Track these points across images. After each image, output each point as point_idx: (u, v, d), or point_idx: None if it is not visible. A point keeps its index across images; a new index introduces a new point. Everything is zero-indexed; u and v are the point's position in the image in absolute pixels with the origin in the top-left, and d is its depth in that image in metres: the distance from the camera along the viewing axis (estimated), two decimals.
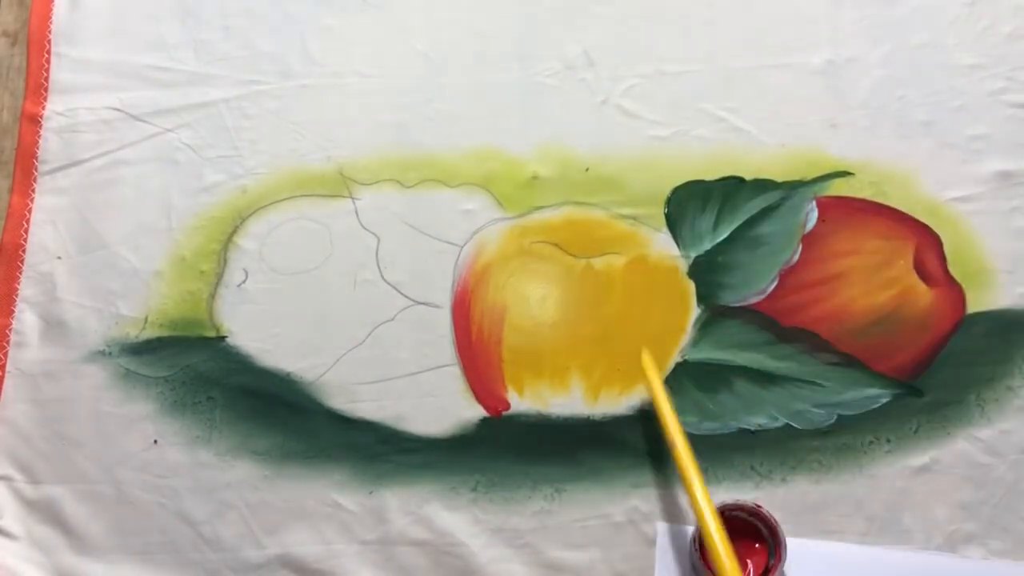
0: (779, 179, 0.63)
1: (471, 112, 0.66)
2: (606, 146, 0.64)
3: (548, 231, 0.63)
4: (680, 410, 0.59)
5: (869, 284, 0.61)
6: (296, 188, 0.64)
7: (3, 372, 0.62)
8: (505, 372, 0.61)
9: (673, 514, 0.58)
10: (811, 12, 0.66)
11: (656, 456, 0.58)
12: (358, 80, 0.66)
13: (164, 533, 0.59)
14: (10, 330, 0.63)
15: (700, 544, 0.55)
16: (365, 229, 0.64)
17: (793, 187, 0.63)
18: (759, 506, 0.56)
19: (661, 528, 0.58)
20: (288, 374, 0.61)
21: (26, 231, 0.65)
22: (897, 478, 0.58)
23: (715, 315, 0.61)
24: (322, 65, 0.67)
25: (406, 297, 0.62)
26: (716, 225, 0.63)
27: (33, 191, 0.65)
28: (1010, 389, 0.59)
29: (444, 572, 0.58)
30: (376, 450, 0.60)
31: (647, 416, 0.59)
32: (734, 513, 0.57)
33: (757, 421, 0.59)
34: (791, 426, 0.59)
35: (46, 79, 0.67)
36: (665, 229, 0.63)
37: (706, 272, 0.62)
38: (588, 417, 0.60)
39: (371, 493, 0.59)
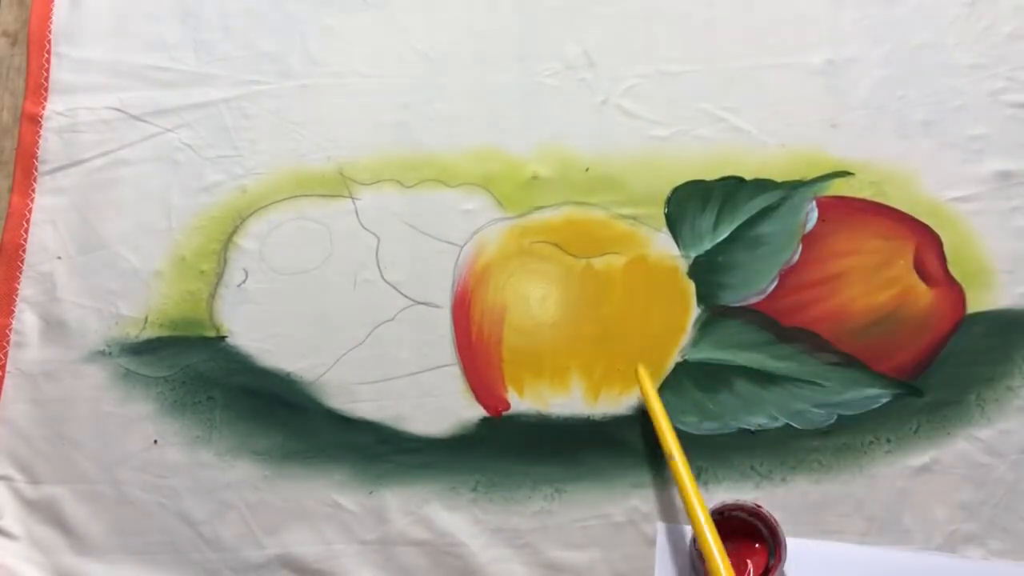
0: (779, 179, 0.63)
1: (471, 112, 0.66)
2: (606, 146, 0.64)
3: (548, 231, 0.63)
4: (680, 410, 0.59)
5: (869, 284, 0.61)
6: (296, 188, 0.64)
7: (3, 372, 0.62)
8: (505, 372, 0.61)
9: (673, 514, 0.58)
10: (811, 12, 0.66)
11: (656, 456, 0.58)
12: (358, 80, 0.67)
13: (164, 533, 0.59)
14: (10, 330, 0.63)
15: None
16: (365, 229, 0.64)
17: (793, 187, 0.63)
18: (759, 506, 0.56)
19: (661, 528, 0.58)
20: (288, 374, 0.61)
21: (26, 231, 0.65)
22: (897, 478, 0.58)
23: (715, 315, 0.61)
24: (322, 65, 0.67)
25: (406, 297, 0.62)
26: (716, 225, 0.63)
27: (33, 191, 0.65)
28: (1010, 389, 0.59)
29: (444, 572, 0.58)
30: (376, 450, 0.60)
31: (647, 416, 0.59)
32: (734, 513, 0.57)
33: (757, 421, 0.59)
34: (791, 426, 0.59)
35: (46, 79, 0.67)
36: (665, 229, 0.63)
37: (706, 272, 0.62)
38: (588, 417, 0.60)
39: (371, 493, 0.59)
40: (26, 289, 0.64)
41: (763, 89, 0.65)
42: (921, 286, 0.61)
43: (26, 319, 0.63)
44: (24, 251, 0.64)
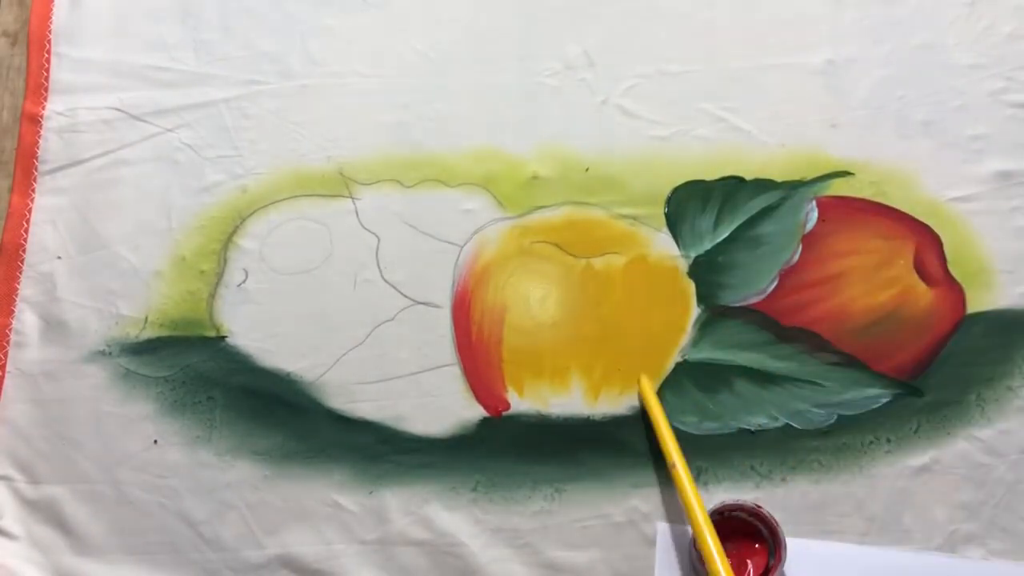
0: (779, 179, 0.63)
1: (471, 112, 0.66)
2: (606, 146, 0.64)
3: (548, 231, 0.63)
4: (680, 410, 0.59)
5: (869, 284, 0.61)
6: (296, 188, 0.64)
7: (3, 372, 0.62)
8: (505, 372, 0.61)
9: (673, 514, 0.58)
10: (811, 12, 0.66)
11: (656, 456, 0.58)
12: (358, 80, 0.67)
13: (164, 533, 0.59)
14: (10, 330, 0.63)
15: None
16: (365, 229, 0.64)
17: (793, 187, 0.63)
18: (759, 506, 0.56)
19: (661, 528, 0.58)
20: (288, 374, 0.61)
21: (26, 231, 0.65)
22: (897, 478, 0.58)
23: (715, 315, 0.61)
24: (322, 65, 0.67)
25: (406, 297, 0.62)
26: (716, 225, 0.63)
27: (33, 191, 0.65)
28: (1010, 389, 0.59)
29: (444, 572, 0.58)
30: (376, 450, 0.60)
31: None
32: (734, 513, 0.57)
33: (757, 421, 0.59)
34: (791, 426, 0.59)
35: (46, 79, 0.67)
36: (665, 229, 0.63)
37: (706, 272, 0.62)
38: (588, 417, 0.60)
39: (371, 493, 0.59)
40: (26, 289, 0.64)
41: (763, 89, 0.65)
42: (921, 286, 0.61)
43: (26, 319, 0.63)
44: (24, 251, 0.64)
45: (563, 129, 0.65)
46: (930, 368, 0.60)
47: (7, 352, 0.63)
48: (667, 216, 0.63)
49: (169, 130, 0.66)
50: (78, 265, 0.64)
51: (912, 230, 0.62)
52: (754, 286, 0.61)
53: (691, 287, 0.62)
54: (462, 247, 0.63)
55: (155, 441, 0.61)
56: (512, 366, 0.61)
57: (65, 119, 0.66)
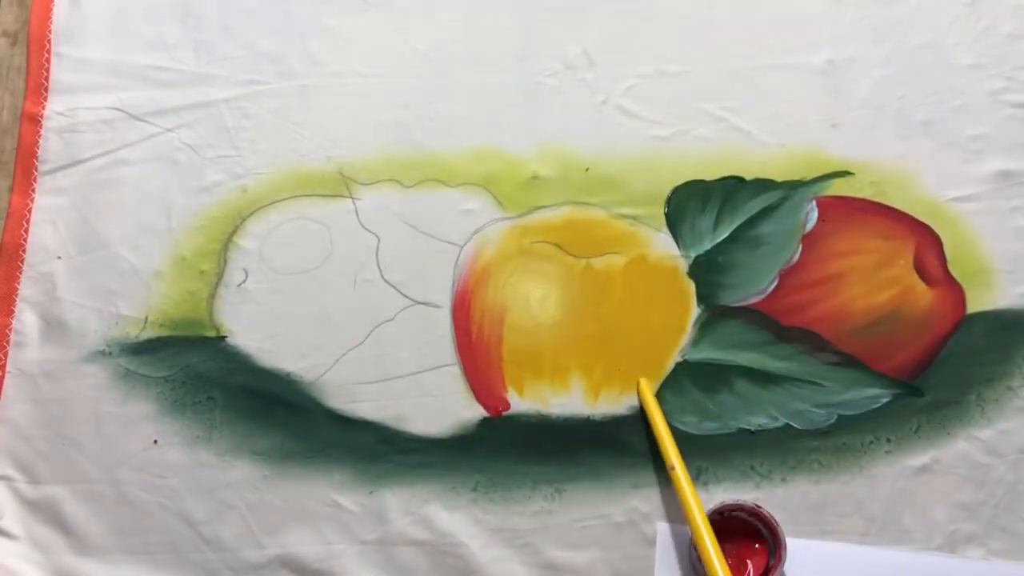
0: (779, 179, 0.63)
1: (471, 112, 0.66)
2: (606, 146, 0.64)
3: (548, 231, 0.63)
4: (680, 410, 0.59)
5: (869, 284, 0.61)
6: (296, 188, 0.64)
7: (3, 372, 0.62)
8: (505, 372, 0.61)
9: (673, 514, 0.58)
10: (811, 12, 0.66)
11: (656, 456, 0.58)
12: (358, 80, 0.67)
13: (164, 533, 0.59)
14: (10, 330, 0.63)
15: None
16: (365, 229, 0.64)
17: (793, 187, 0.63)
18: (759, 506, 0.56)
19: (661, 528, 0.58)
20: (288, 374, 0.61)
21: (26, 231, 0.65)
22: (897, 478, 0.58)
23: (715, 315, 0.61)
24: (322, 65, 0.67)
25: (406, 297, 0.62)
26: (716, 225, 0.63)
27: (33, 191, 0.65)
28: (1010, 389, 0.59)
29: (444, 572, 0.58)
30: (376, 450, 0.60)
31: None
32: (734, 513, 0.57)
33: (757, 421, 0.59)
34: (791, 426, 0.59)
35: (46, 79, 0.67)
36: (665, 229, 0.63)
37: (706, 272, 0.62)
38: (588, 417, 0.60)
39: (371, 493, 0.59)
40: (26, 289, 0.64)
41: (763, 89, 0.65)
42: (921, 286, 0.61)
43: (26, 319, 0.63)
44: (24, 251, 0.64)
45: (563, 129, 0.65)
46: (930, 368, 0.60)
47: (7, 352, 0.63)
48: (667, 216, 0.63)
49: (169, 130, 0.66)
50: (78, 265, 0.64)
51: (912, 230, 0.62)
52: (754, 286, 0.61)
53: (691, 287, 0.62)
54: (462, 247, 0.63)
55: (155, 441, 0.61)
56: (512, 366, 0.61)
57: (65, 119, 0.66)
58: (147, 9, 0.68)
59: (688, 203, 0.63)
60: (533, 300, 0.62)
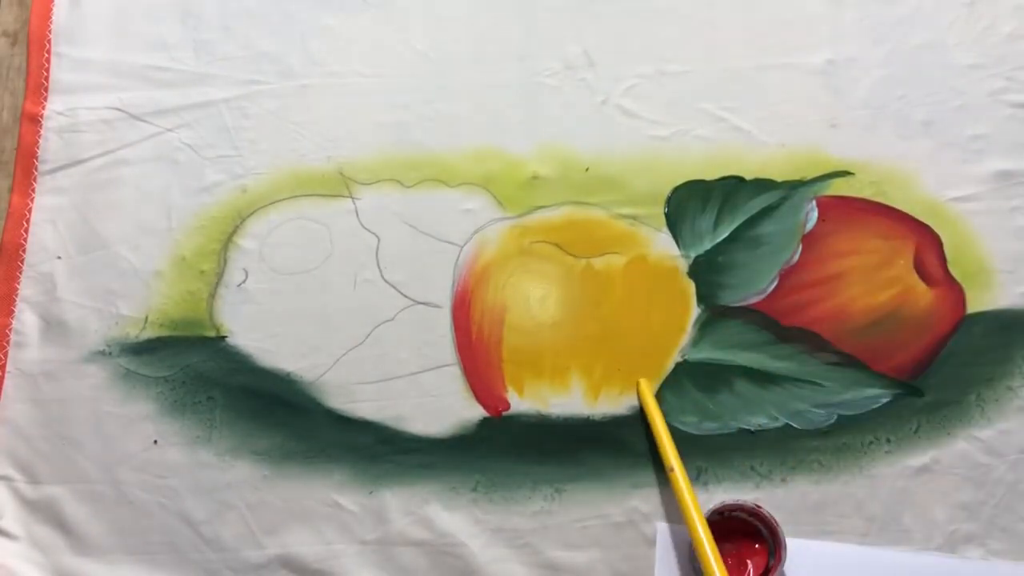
0: (779, 179, 0.63)
1: (471, 112, 0.66)
2: (606, 146, 0.64)
3: (548, 231, 0.63)
4: (680, 410, 0.59)
5: (869, 284, 0.61)
6: (296, 188, 0.64)
7: (3, 372, 0.62)
8: (505, 372, 0.61)
9: (673, 514, 0.58)
10: (811, 12, 0.66)
11: (656, 456, 0.58)
12: (358, 80, 0.67)
13: (164, 533, 0.59)
14: (10, 330, 0.63)
15: None
16: (365, 229, 0.64)
17: (793, 187, 0.63)
18: (759, 506, 0.56)
19: (661, 528, 0.58)
20: (288, 374, 0.61)
21: (26, 231, 0.65)
22: (897, 478, 0.58)
23: (715, 315, 0.61)
24: (322, 65, 0.67)
25: (406, 297, 0.62)
26: (716, 225, 0.63)
27: (33, 191, 0.65)
28: (1010, 389, 0.59)
29: (444, 572, 0.58)
30: (376, 450, 0.60)
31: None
32: (734, 513, 0.57)
33: (757, 421, 0.59)
34: (791, 426, 0.59)
35: (46, 79, 0.67)
36: (665, 229, 0.63)
37: (706, 272, 0.62)
38: (588, 417, 0.60)
39: (371, 493, 0.59)
40: (26, 289, 0.64)
41: (763, 89, 0.65)
42: (921, 286, 0.61)
43: (26, 319, 0.63)
44: (24, 251, 0.64)
45: (563, 129, 0.65)
46: (930, 368, 0.60)
47: (7, 352, 0.63)
48: (667, 216, 0.63)
49: (169, 130, 0.66)
50: (78, 265, 0.64)
51: (912, 230, 0.62)
52: (754, 286, 0.61)
53: (691, 287, 0.62)
54: (462, 247, 0.63)
55: (155, 441, 0.61)
56: (512, 366, 0.61)
57: (65, 119, 0.66)
58: (147, 9, 0.68)
59: (688, 203, 0.63)
60: (533, 300, 0.62)
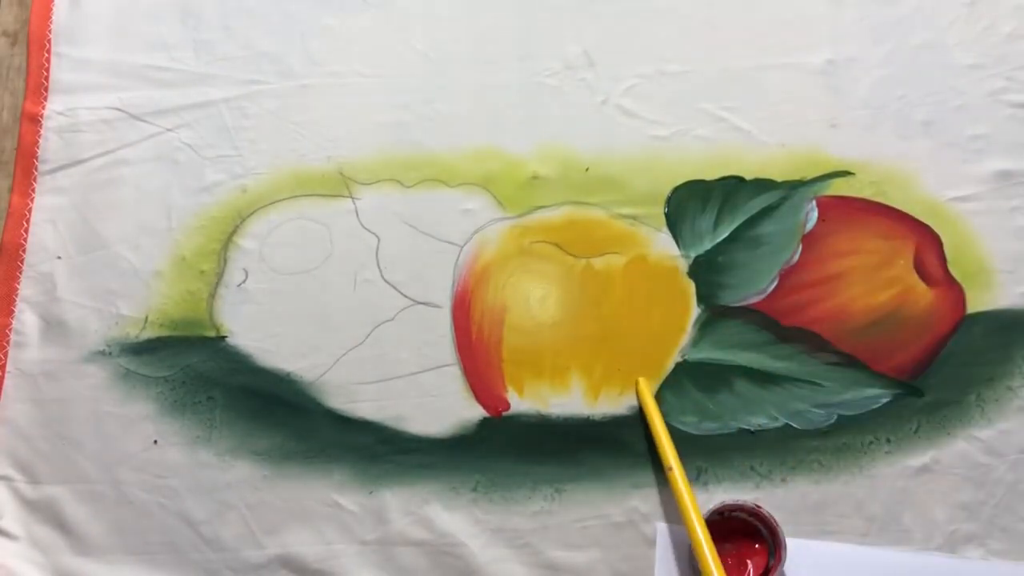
0: (779, 179, 0.63)
1: (471, 112, 0.66)
2: (606, 146, 0.64)
3: (548, 231, 0.63)
4: (680, 410, 0.59)
5: (869, 284, 0.61)
6: (296, 188, 0.64)
7: (3, 372, 0.62)
8: (505, 372, 0.61)
9: (673, 514, 0.58)
10: (811, 12, 0.66)
11: (656, 456, 0.58)
12: (358, 80, 0.67)
13: (164, 533, 0.59)
14: (10, 330, 0.63)
15: None
16: (365, 229, 0.64)
17: (793, 187, 0.63)
18: (759, 506, 0.56)
19: (661, 528, 0.58)
20: (288, 374, 0.61)
21: (26, 231, 0.65)
22: (897, 478, 0.58)
23: (715, 315, 0.61)
24: (322, 65, 0.67)
25: (406, 297, 0.62)
26: (716, 225, 0.63)
27: (33, 191, 0.65)
28: (1010, 389, 0.59)
29: (444, 572, 0.58)
30: (376, 450, 0.60)
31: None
32: (734, 513, 0.57)
33: (757, 421, 0.59)
34: (791, 426, 0.59)
35: (46, 79, 0.67)
36: (665, 229, 0.63)
37: (706, 272, 0.62)
38: (588, 417, 0.60)
39: (371, 493, 0.59)
40: (26, 289, 0.64)
41: (763, 89, 0.65)
42: (921, 286, 0.61)
43: (26, 319, 0.63)
44: (24, 251, 0.64)
45: (563, 129, 0.65)
46: (930, 368, 0.60)
47: (7, 352, 0.63)
48: (667, 216, 0.63)
49: (169, 130, 0.66)
50: (78, 265, 0.64)
51: (912, 230, 0.62)
52: (754, 286, 0.61)
53: (691, 287, 0.62)
54: (462, 247, 0.63)
55: (155, 441, 0.61)
56: (512, 366, 0.61)
57: (65, 119, 0.66)
58: (147, 9, 0.68)
59: (688, 203, 0.63)
60: (533, 300, 0.62)
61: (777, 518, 0.55)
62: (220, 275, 0.63)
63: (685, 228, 0.63)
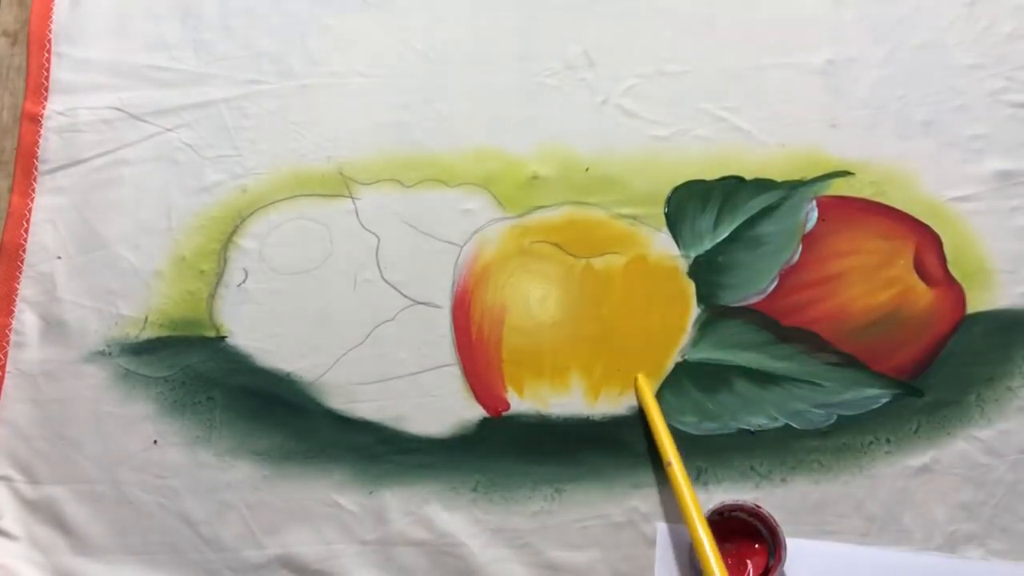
0: (779, 179, 0.63)
1: (471, 112, 0.66)
2: (606, 146, 0.64)
3: (548, 231, 0.63)
4: (680, 410, 0.59)
5: (869, 284, 0.61)
6: (296, 188, 0.64)
7: (3, 372, 0.62)
8: (505, 372, 0.61)
9: (673, 514, 0.58)
10: (811, 12, 0.66)
11: (656, 456, 0.58)
12: (358, 80, 0.67)
13: (164, 533, 0.59)
14: (10, 330, 0.63)
15: None
16: (365, 229, 0.64)
17: (793, 187, 0.63)
18: (759, 506, 0.56)
19: (661, 528, 0.58)
20: (288, 374, 0.61)
21: (26, 231, 0.65)
22: (897, 478, 0.58)
23: (715, 315, 0.61)
24: (322, 65, 0.67)
25: (406, 297, 0.62)
26: (716, 225, 0.63)
27: (33, 191, 0.65)
28: (1010, 389, 0.59)
29: (444, 572, 0.58)
30: (376, 450, 0.60)
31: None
32: (734, 513, 0.57)
33: (757, 421, 0.59)
34: (791, 426, 0.59)
35: (46, 79, 0.67)
36: (665, 229, 0.63)
37: (706, 272, 0.62)
38: (588, 417, 0.60)
39: (371, 493, 0.59)
40: (26, 289, 0.64)
41: (763, 89, 0.65)
42: (921, 286, 0.61)
43: (26, 319, 0.63)
44: (24, 251, 0.64)
45: (563, 129, 0.65)
46: (930, 368, 0.60)
47: (7, 352, 0.63)
48: (667, 216, 0.63)
49: (169, 130, 0.66)
50: (78, 265, 0.64)
51: (912, 230, 0.62)
52: (754, 286, 0.61)
53: (691, 287, 0.62)
54: (462, 247, 0.63)
55: (155, 441, 0.61)
56: (512, 366, 0.61)
57: (65, 119, 0.66)
58: (147, 9, 0.68)
59: (688, 203, 0.63)
60: (533, 300, 0.62)
61: (777, 518, 0.55)
62: (220, 275, 0.63)
63: (685, 228, 0.63)
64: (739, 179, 0.63)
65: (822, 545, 0.57)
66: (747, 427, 0.59)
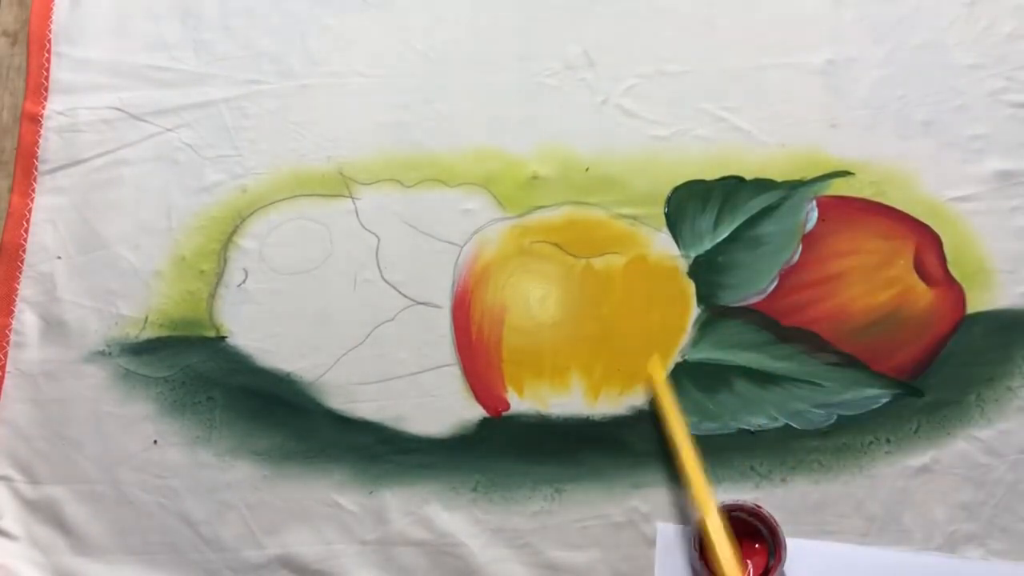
0: (779, 179, 0.63)
1: (471, 112, 0.66)
2: (606, 146, 0.64)
3: (548, 231, 0.63)
4: (680, 410, 0.59)
5: (869, 284, 0.61)
6: (296, 188, 0.64)
7: (3, 372, 0.62)
8: (505, 372, 0.61)
9: (673, 514, 0.58)
10: (811, 12, 0.66)
11: (656, 456, 0.58)
12: (358, 80, 0.67)
13: (164, 533, 0.59)
14: (10, 330, 0.63)
15: (700, 544, 0.55)
16: (365, 229, 0.64)
17: (793, 187, 0.63)
18: (759, 506, 0.56)
19: (661, 528, 0.58)
20: (288, 374, 0.61)
21: (26, 231, 0.65)
22: (897, 478, 0.58)
23: (715, 315, 0.61)
24: (322, 65, 0.67)
25: (406, 297, 0.62)
26: (716, 225, 0.63)
27: (33, 191, 0.65)
28: (1010, 389, 0.59)
29: (444, 572, 0.58)
30: (376, 450, 0.60)
31: (647, 416, 0.59)
32: (734, 513, 0.57)
33: (757, 421, 0.59)
34: (791, 426, 0.59)
35: (46, 79, 0.67)
36: (665, 229, 0.63)
37: (706, 272, 0.62)
38: (588, 417, 0.60)
39: (371, 493, 0.59)
40: (26, 289, 0.64)
41: (763, 89, 0.65)
42: (921, 286, 0.61)
43: (26, 319, 0.63)
44: (24, 251, 0.64)
45: (563, 129, 0.65)
46: (930, 368, 0.60)
47: (7, 352, 0.62)
48: (667, 216, 0.63)
49: (169, 130, 0.66)
50: (78, 265, 0.64)
51: (912, 230, 0.62)
52: (754, 286, 0.61)
53: (691, 287, 0.62)
54: (462, 247, 0.63)
55: (155, 441, 0.61)
56: (512, 366, 0.61)
57: (65, 119, 0.66)
58: (147, 9, 0.69)
59: (688, 203, 0.63)
60: (533, 300, 0.62)
61: (777, 518, 0.55)
62: (220, 275, 0.63)
63: (685, 228, 0.63)
64: (739, 179, 0.63)
65: (822, 545, 0.57)
66: (747, 427, 0.59)
